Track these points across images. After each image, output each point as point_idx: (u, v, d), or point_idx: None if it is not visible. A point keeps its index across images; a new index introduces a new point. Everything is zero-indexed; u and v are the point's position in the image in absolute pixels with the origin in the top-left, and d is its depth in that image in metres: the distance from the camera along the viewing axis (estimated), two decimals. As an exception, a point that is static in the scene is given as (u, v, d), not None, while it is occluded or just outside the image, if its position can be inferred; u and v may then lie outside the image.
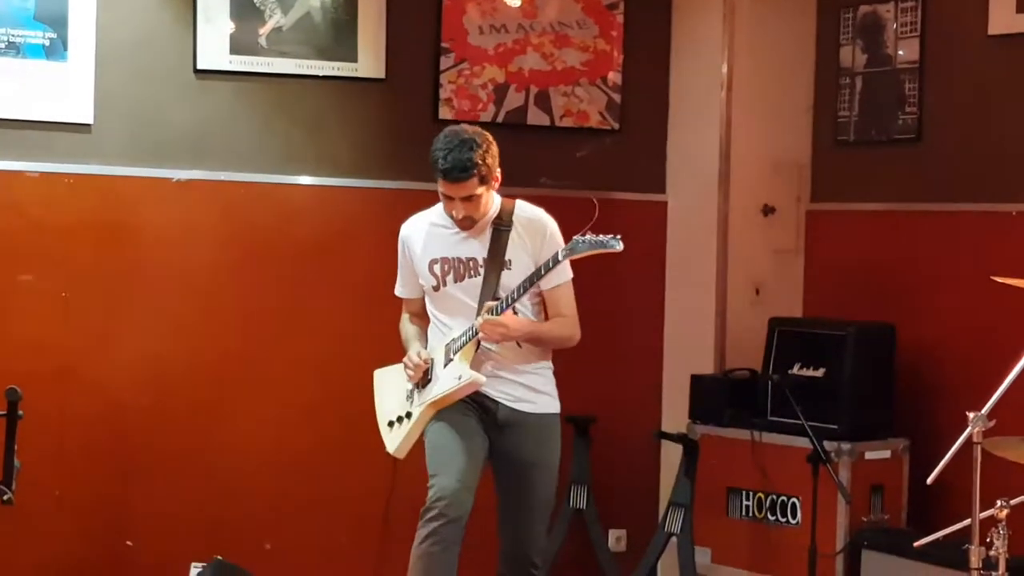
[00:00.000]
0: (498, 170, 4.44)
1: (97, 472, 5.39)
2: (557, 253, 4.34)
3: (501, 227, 4.46)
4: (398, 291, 4.70)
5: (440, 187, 4.39)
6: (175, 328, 5.49)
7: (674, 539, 5.76)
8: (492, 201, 4.47)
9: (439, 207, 4.54)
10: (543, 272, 4.36)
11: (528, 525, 4.49)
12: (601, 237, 4.28)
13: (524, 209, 4.53)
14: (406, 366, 4.52)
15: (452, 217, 4.44)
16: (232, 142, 5.60)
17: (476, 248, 4.46)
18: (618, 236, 4.29)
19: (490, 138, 4.42)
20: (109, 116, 5.37)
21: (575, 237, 4.32)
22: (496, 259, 4.43)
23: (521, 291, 4.36)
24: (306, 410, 5.67)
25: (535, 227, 4.49)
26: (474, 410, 4.45)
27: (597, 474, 6.01)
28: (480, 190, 4.36)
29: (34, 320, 5.28)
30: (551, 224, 4.52)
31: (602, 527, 6.07)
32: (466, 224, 4.44)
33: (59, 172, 5.31)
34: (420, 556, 4.29)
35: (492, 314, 4.32)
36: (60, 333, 5.31)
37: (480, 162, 4.32)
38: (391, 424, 4.58)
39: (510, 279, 4.42)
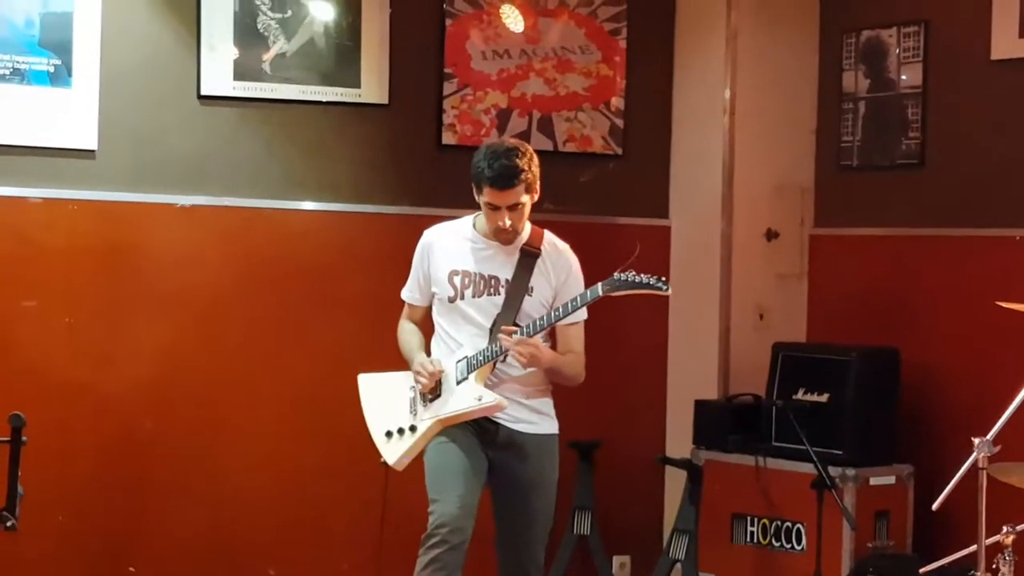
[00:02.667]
0: (538, 183, 4.42)
1: (101, 498, 5.38)
2: (597, 287, 4.28)
3: (530, 253, 4.45)
4: (405, 295, 4.64)
5: (486, 197, 4.36)
6: (178, 353, 5.48)
7: (678, 565, 5.74)
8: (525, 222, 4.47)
9: (466, 220, 4.53)
10: (579, 304, 4.33)
11: (527, 544, 4.47)
12: (647, 278, 4.24)
13: (553, 241, 4.53)
14: (418, 373, 4.45)
15: (497, 228, 4.40)
16: (235, 168, 5.61)
17: (501, 268, 4.44)
18: (664, 278, 4.25)
19: (531, 149, 4.42)
20: (113, 142, 5.38)
21: (616, 274, 4.25)
22: (521, 283, 4.41)
23: (554, 318, 4.34)
24: (308, 434, 5.67)
25: (562, 261, 4.49)
26: (474, 430, 4.43)
27: (601, 500, 6.00)
28: (525, 199, 4.36)
29: (37, 346, 5.28)
30: (576, 262, 4.52)
31: (606, 553, 6.05)
32: (509, 236, 4.41)
33: (63, 198, 5.31)
34: (422, 583, 4.27)
35: (523, 335, 4.30)
36: (63, 358, 5.31)
37: (526, 169, 4.33)
38: (389, 434, 4.51)
39: (530, 306, 4.41)
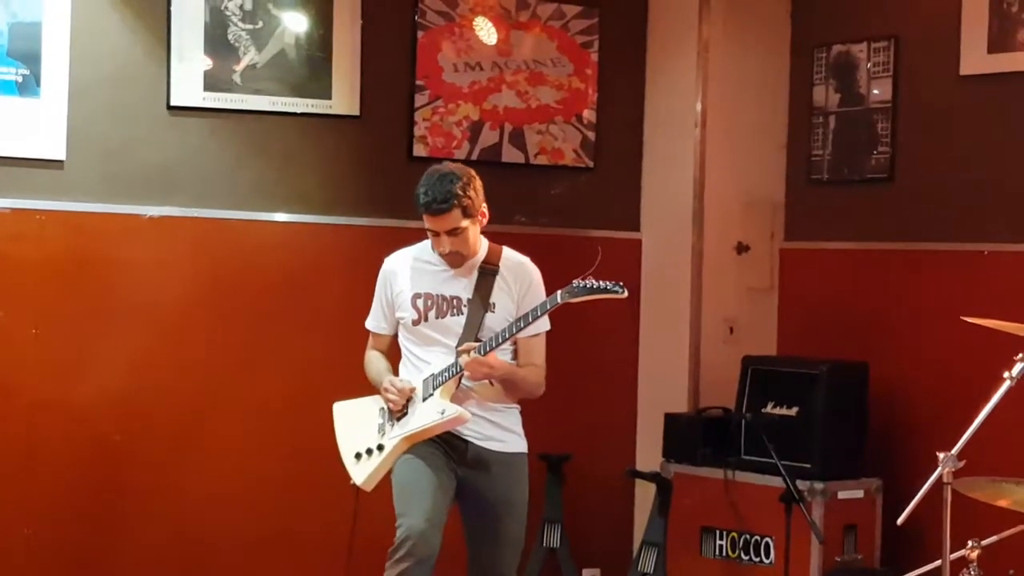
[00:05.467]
0: (484, 206, 4.42)
1: (68, 510, 5.34)
2: (556, 295, 4.29)
3: (488, 270, 4.46)
4: (370, 324, 4.66)
5: (425, 223, 4.39)
6: (145, 365, 5.46)
7: (648, 578, 5.75)
8: (480, 241, 4.47)
9: (425, 244, 4.54)
10: (540, 313, 4.33)
11: (499, 565, 4.47)
12: (604, 283, 4.25)
13: (511, 256, 4.54)
14: (388, 391, 4.46)
15: (440, 253, 4.43)
16: (205, 178, 5.59)
17: (461, 288, 4.45)
18: (621, 283, 4.27)
19: (472, 173, 4.42)
20: (81, 152, 5.35)
21: (575, 281, 4.26)
22: (481, 301, 4.42)
23: (510, 333, 4.35)
24: (278, 446, 5.64)
25: (521, 274, 4.49)
26: (442, 449, 4.43)
27: (570, 513, 5.99)
28: (464, 223, 4.35)
29: (3, 357, 5.24)
30: (536, 274, 4.53)
31: (575, 566, 6.05)
32: (455, 260, 4.42)
33: (31, 208, 5.28)
34: (389, 596, 4.26)
35: (479, 353, 4.31)
36: (30, 370, 5.27)
37: (460, 193, 4.32)
38: (359, 456, 4.51)
39: (493, 322, 4.41)
